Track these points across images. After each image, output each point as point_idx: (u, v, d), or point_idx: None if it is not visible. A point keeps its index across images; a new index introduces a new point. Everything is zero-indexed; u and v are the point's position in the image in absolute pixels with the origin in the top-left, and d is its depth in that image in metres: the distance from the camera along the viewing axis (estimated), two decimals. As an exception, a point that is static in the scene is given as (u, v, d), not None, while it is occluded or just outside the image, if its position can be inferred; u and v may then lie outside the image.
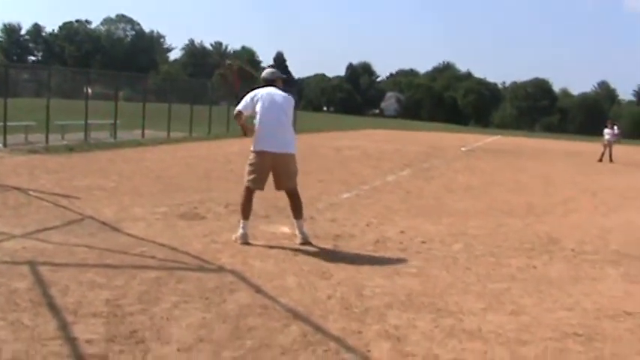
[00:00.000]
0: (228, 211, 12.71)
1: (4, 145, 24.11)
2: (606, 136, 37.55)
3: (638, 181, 27.22)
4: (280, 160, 10.22)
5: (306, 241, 10.29)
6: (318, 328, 6.46)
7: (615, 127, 38.47)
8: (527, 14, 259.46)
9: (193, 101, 39.74)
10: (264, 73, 10.78)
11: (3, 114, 24.73)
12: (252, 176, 10.25)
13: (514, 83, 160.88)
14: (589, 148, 49.41)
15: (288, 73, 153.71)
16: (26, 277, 7.57)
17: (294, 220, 10.50)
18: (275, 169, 10.26)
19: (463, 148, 41.57)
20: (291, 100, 10.56)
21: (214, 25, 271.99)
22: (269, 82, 10.55)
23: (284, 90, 10.51)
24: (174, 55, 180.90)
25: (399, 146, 39.62)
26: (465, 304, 7.58)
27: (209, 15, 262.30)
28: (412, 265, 9.37)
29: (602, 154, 37.00)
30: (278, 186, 10.47)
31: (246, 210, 10.28)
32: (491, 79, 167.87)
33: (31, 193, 13.82)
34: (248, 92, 10.48)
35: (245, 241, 10.05)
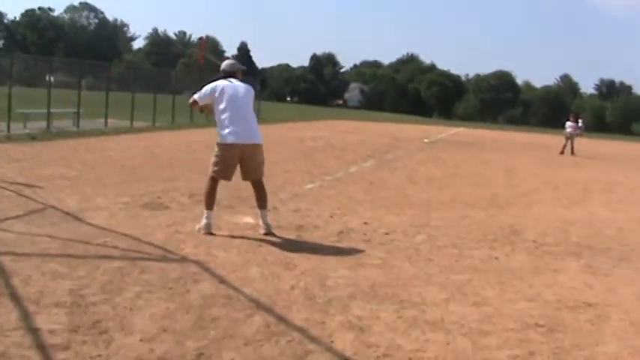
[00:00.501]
0: (192, 201, 12.67)
1: (-35, 134, 23.89)
2: (568, 129, 37.75)
3: (600, 174, 27.44)
4: (248, 151, 10.22)
5: (269, 232, 10.28)
6: (281, 319, 6.47)
7: (580, 121, 38.75)
8: (492, 7, 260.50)
9: (157, 90, 39.57)
10: (223, 65, 10.73)
11: (-37, 102, 24.49)
12: (218, 167, 10.24)
13: (477, 75, 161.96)
14: (551, 140, 49.80)
15: (252, 63, 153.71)
16: (-13, 266, 7.51)
17: (259, 210, 10.49)
18: (243, 160, 10.24)
19: (426, 140, 41.72)
20: (252, 91, 10.61)
21: (178, 14, 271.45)
22: (229, 74, 10.52)
23: (243, 81, 10.50)
24: (137, 44, 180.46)
25: (363, 137, 39.70)
26: (428, 295, 7.62)
27: (173, 4, 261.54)
28: (375, 256, 9.40)
29: (564, 147, 37.27)
30: (245, 176, 10.45)
31: (210, 200, 10.25)
32: (454, 71, 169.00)
33: (-8, 182, 13.70)
34: (209, 82, 10.44)
35: (208, 231, 10.03)
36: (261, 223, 10.43)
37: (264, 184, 10.50)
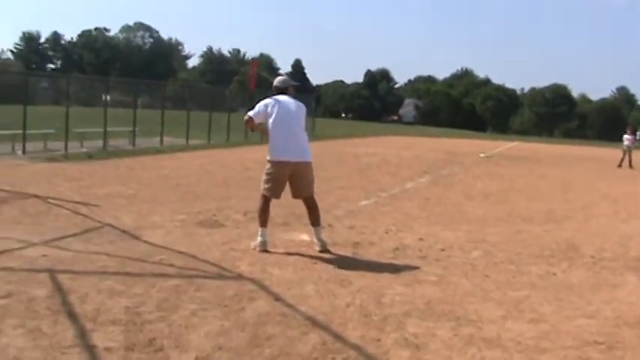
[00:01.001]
0: (246, 219, 12.69)
1: (24, 152, 24.25)
2: (626, 142, 37.14)
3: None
4: (299, 169, 10.19)
5: (324, 249, 10.24)
6: (337, 336, 6.44)
7: (638, 133, 38.18)
8: (546, 20, 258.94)
9: (212, 108, 39.82)
10: (276, 81, 10.71)
11: (22, 122, 24.85)
12: (269, 185, 10.22)
13: (533, 89, 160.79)
14: (608, 153, 49.20)
15: (307, 79, 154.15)
16: (45, 284, 7.57)
17: (312, 228, 10.47)
18: (293, 178, 10.22)
19: (482, 155, 41.41)
20: (304, 108, 10.55)
21: (233, 33, 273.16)
22: (281, 90, 10.51)
23: (297, 98, 10.49)
24: (192, 63, 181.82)
25: (418, 153, 39.57)
26: (485, 312, 7.53)
27: (227, 22, 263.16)
28: (431, 272, 9.33)
29: (622, 160, 36.70)
30: (296, 194, 10.44)
31: (263, 218, 10.25)
32: (509, 85, 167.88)
33: (50, 200, 13.86)
34: (262, 99, 10.44)
35: (264, 248, 10.03)
36: (315, 240, 10.40)
37: (316, 201, 10.47)
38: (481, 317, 7.31)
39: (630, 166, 36.02)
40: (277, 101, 10.30)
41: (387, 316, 7.15)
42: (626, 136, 37.32)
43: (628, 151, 36.72)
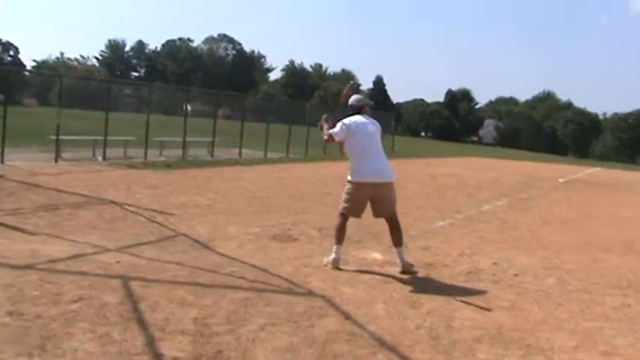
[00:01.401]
0: (321, 235, 12.68)
1: (104, 158, 24.61)
2: None
3: None
4: (379, 189, 10.10)
5: (406, 270, 10.07)
6: (404, 359, 6.37)
7: None
8: (631, 45, 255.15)
9: (291, 122, 39.97)
10: (351, 100, 10.62)
11: (104, 128, 25.23)
12: (348, 204, 10.15)
13: (615, 114, 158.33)
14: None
15: (387, 97, 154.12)
16: (118, 291, 7.62)
17: (395, 248, 10.31)
18: (374, 198, 10.13)
19: (561, 180, 40.84)
20: (379, 126, 10.49)
21: (315, 47, 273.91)
22: (357, 109, 10.45)
23: (370, 115, 10.43)
24: (274, 76, 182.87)
25: (497, 175, 39.19)
26: (556, 341, 7.38)
27: (310, 36, 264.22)
28: (504, 298, 9.17)
29: None
30: (377, 214, 10.31)
31: (340, 235, 10.18)
32: (591, 109, 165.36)
33: (127, 207, 14.01)
34: (340, 119, 10.39)
35: (336, 266, 9.97)
36: (398, 260, 10.23)
37: (398, 221, 10.32)
38: (552, 346, 7.16)
39: None
40: (356, 123, 10.23)
41: (456, 340, 7.05)
42: None
43: None
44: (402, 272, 10.04)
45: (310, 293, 8.41)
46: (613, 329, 8.13)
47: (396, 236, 10.25)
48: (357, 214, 10.28)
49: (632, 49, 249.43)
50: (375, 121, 10.44)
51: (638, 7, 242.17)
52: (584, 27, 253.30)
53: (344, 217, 10.24)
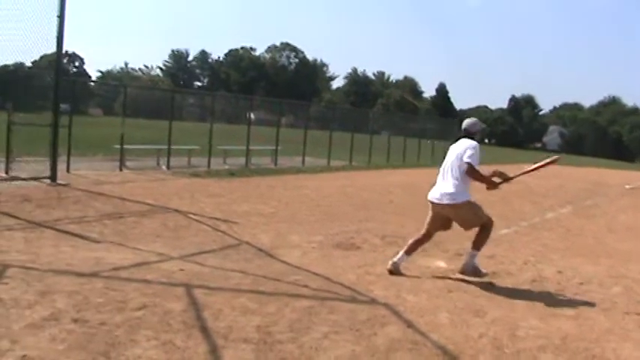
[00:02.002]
0: (384, 243, 12.64)
1: (168, 167, 24.81)
2: None
3: None
4: (445, 210, 10.03)
5: (464, 272, 10.08)
6: (468, 368, 6.31)
7: None
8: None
9: (354, 130, 39.96)
10: (465, 124, 10.44)
11: (167, 137, 25.45)
12: (427, 219, 10.21)
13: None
14: None
15: (450, 104, 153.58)
16: (181, 298, 7.65)
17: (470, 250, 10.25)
18: (445, 216, 10.15)
19: (627, 186, 40.23)
20: (463, 150, 10.00)
21: (377, 55, 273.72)
22: (470, 134, 10.26)
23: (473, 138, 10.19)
24: (336, 84, 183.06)
25: (562, 182, 38.74)
26: (623, 351, 7.23)
27: (372, 44, 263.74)
28: (569, 307, 9.05)
29: None
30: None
31: (412, 246, 10.27)
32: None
33: (190, 215, 14.09)
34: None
35: (393, 269, 9.99)
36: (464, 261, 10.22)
37: (481, 229, 10.21)
38: (619, 357, 7.03)
39: None
40: (452, 146, 10.26)
41: (520, 350, 6.95)
42: None
43: None
44: (461, 272, 10.11)
45: (373, 301, 8.36)
46: (681, 339, 7.97)
47: (475, 239, 10.23)
48: (428, 228, 10.26)
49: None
50: (468, 145, 10.05)
51: None
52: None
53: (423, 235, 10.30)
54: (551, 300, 9.36)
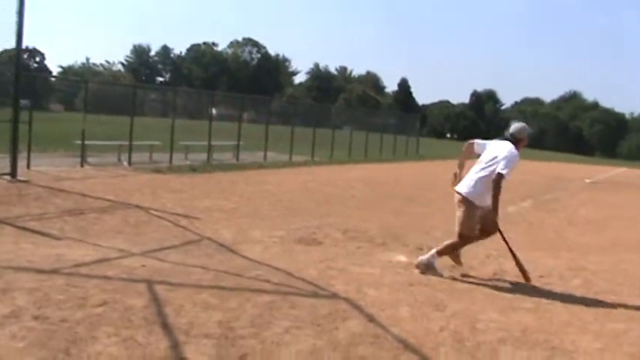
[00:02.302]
0: (345, 238, 12.67)
1: (129, 163, 24.72)
2: None
3: None
4: (457, 198, 10.22)
5: (420, 268, 10.18)
6: (428, 361, 6.35)
7: None
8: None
9: (316, 125, 39.99)
10: (513, 128, 10.29)
11: (129, 133, 25.35)
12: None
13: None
14: None
15: (412, 99, 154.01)
16: (142, 294, 7.64)
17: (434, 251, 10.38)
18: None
19: (588, 180, 40.62)
20: (499, 154, 9.97)
21: (340, 50, 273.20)
22: (515, 139, 10.17)
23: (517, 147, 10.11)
24: (299, 79, 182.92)
25: (522, 176, 38.91)
26: (582, 343, 7.32)
27: (334, 39, 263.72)
28: (529, 299, 9.13)
29: None
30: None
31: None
32: (618, 109, 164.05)
33: (152, 211, 14.06)
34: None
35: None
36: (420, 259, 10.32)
37: (458, 237, 10.31)
38: (577, 348, 7.11)
39: None
40: (491, 143, 10.38)
41: (480, 342, 7.01)
42: None
43: None
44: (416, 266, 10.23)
45: (334, 296, 8.39)
46: (639, 331, 8.07)
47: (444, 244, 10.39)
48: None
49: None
50: (510, 158, 9.91)
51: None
52: (609, 26, 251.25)
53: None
54: (512, 293, 9.45)
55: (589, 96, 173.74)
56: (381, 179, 28.23)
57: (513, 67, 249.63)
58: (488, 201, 9.88)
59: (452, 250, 10.37)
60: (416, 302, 8.44)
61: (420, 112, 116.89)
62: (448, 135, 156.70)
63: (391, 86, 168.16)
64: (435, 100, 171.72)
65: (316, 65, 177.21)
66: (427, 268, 10.13)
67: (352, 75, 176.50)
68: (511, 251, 10.19)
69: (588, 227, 18.04)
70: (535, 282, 10.18)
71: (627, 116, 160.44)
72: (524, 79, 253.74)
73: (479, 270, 10.83)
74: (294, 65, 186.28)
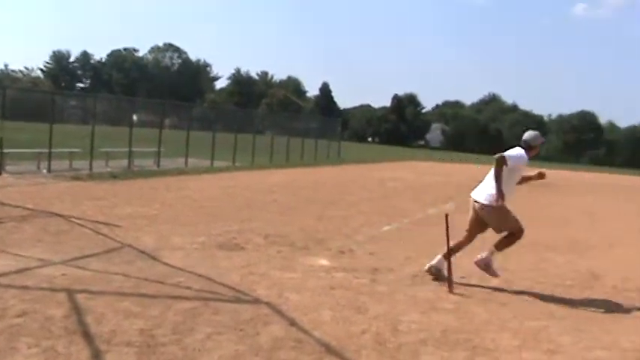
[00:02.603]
0: (267, 242, 12.69)
1: (49, 171, 24.41)
2: None
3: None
4: (476, 207, 10.66)
5: (479, 263, 10.58)
6: (350, 363, 6.41)
7: None
8: (573, 47, 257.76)
9: (238, 130, 39.89)
10: (527, 136, 10.77)
11: (48, 140, 25.04)
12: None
13: (560, 116, 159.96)
14: (637, 182, 48.83)
15: (334, 103, 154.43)
16: (63, 304, 7.59)
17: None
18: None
19: (508, 181, 41.07)
20: (510, 160, 10.40)
21: (261, 55, 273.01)
22: (528, 146, 10.68)
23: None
24: (220, 84, 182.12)
25: (443, 178, 39.46)
26: (501, 341, 7.46)
27: (256, 44, 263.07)
28: (449, 300, 9.28)
29: None
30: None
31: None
32: (537, 111, 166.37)
33: (72, 219, 13.91)
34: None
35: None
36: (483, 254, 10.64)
37: (509, 234, 10.61)
38: (497, 347, 7.25)
39: None
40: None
41: (402, 344, 7.11)
42: None
43: None
44: (477, 261, 10.63)
45: (256, 301, 8.42)
46: (558, 327, 8.25)
47: (499, 241, 10.67)
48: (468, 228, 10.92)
49: (573, 52, 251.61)
50: (518, 152, 10.53)
51: (578, 10, 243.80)
52: (526, 29, 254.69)
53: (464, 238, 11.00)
54: (432, 294, 9.57)
55: (508, 98, 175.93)
56: (302, 184, 28.29)
57: (434, 71, 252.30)
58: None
59: (509, 245, 10.66)
60: (337, 305, 8.51)
61: (341, 116, 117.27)
62: (370, 139, 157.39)
63: (313, 91, 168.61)
64: (357, 104, 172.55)
65: (237, 70, 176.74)
66: (485, 267, 10.53)
67: (273, 80, 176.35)
68: (448, 250, 10.40)
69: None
70: (456, 282, 10.29)
71: (545, 118, 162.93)
72: (445, 82, 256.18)
73: (399, 272, 10.94)
74: (215, 70, 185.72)
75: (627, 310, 9.59)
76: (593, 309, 9.50)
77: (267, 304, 8.28)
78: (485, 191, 10.39)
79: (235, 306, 8.09)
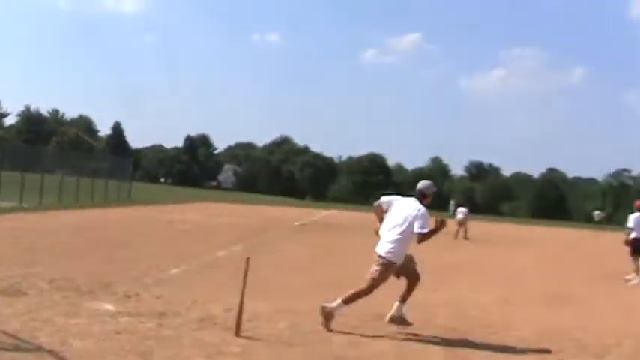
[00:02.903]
0: (52, 287, 12.36)
1: None
2: (459, 215, 38.06)
3: (472, 255, 27.96)
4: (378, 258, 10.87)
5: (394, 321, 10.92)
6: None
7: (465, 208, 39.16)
8: (363, 90, 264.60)
9: (25, 169, 38.79)
10: (421, 185, 10.98)
11: None
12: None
13: (350, 158, 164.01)
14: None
15: (126, 143, 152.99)
16: None
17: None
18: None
19: (297, 223, 41.79)
20: (412, 212, 10.59)
21: (52, 92, 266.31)
22: (423, 195, 10.84)
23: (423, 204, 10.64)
24: (9, 121, 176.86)
25: (234, 220, 39.64)
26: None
27: (46, 81, 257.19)
28: (236, 343, 9.31)
29: (457, 232, 36.88)
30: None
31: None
32: (327, 153, 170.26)
33: None
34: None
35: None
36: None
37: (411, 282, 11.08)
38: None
39: (466, 237, 36.75)
40: (399, 200, 10.97)
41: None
42: (460, 209, 38.63)
43: (463, 224, 37.35)
44: (390, 321, 10.91)
45: (39, 349, 8.19)
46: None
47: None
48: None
49: (364, 95, 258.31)
50: (417, 207, 10.65)
51: (369, 56, 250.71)
52: (318, 73, 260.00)
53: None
54: (218, 338, 9.57)
55: (299, 141, 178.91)
56: (91, 225, 27.85)
57: (226, 111, 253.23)
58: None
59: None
60: (122, 351, 8.40)
61: (133, 156, 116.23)
62: (162, 179, 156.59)
63: (105, 130, 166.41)
64: (149, 144, 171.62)
65: (27, 107, 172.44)
66: (400, 320, 11.04)
67: (65, 118, 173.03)
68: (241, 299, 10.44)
69: (296, 269, 18.52)
70: (243, 326, 10.28)
71: (336, 160, 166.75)
72: (237, 123, 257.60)
73: (185, 316, 10.88)
74: (4, 107, 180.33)
75: (412, 347, 9.89)
76: (382, 346, 9.75)
77: (50, 351, 8.07)
78: (385, 246, 10.87)
79: (15, 354, 7.86)
